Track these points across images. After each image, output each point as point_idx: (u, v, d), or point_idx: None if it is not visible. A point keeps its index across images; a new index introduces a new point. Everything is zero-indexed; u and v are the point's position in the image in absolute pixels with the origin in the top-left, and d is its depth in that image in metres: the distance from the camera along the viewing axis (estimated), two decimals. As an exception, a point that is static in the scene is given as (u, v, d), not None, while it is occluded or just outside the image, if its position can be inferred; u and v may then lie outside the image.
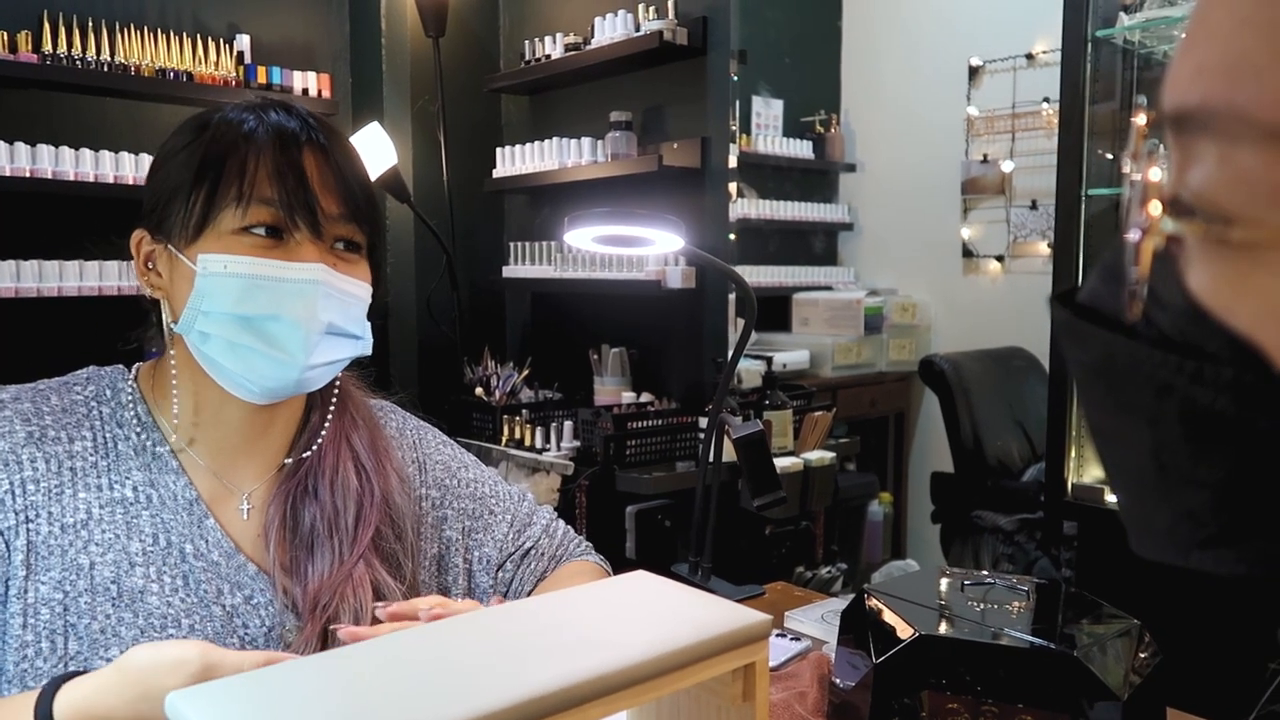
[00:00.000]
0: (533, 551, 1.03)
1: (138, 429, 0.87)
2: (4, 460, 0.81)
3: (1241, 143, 0.26)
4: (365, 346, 0.89)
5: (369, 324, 0.89)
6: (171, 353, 0.88)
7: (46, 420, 0.84)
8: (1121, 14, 1.97)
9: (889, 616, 0.90)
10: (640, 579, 0.70)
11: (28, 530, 0.80)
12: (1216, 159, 0.27)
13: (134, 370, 0.91)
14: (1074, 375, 0.33)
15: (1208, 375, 0.27)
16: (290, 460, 0.92)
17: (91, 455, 0.84)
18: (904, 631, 0.87)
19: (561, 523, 1.09)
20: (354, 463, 0.92)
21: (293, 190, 0.81)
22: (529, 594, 1.01)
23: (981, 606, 0.91)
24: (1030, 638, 0.83)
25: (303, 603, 0.84)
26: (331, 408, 0.94)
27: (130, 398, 0.88)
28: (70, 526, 0.81)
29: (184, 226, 0.82)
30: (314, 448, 0.92)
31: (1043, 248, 3.50)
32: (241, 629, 0.84)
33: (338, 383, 0.95)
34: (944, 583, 0.98)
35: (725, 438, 1.34)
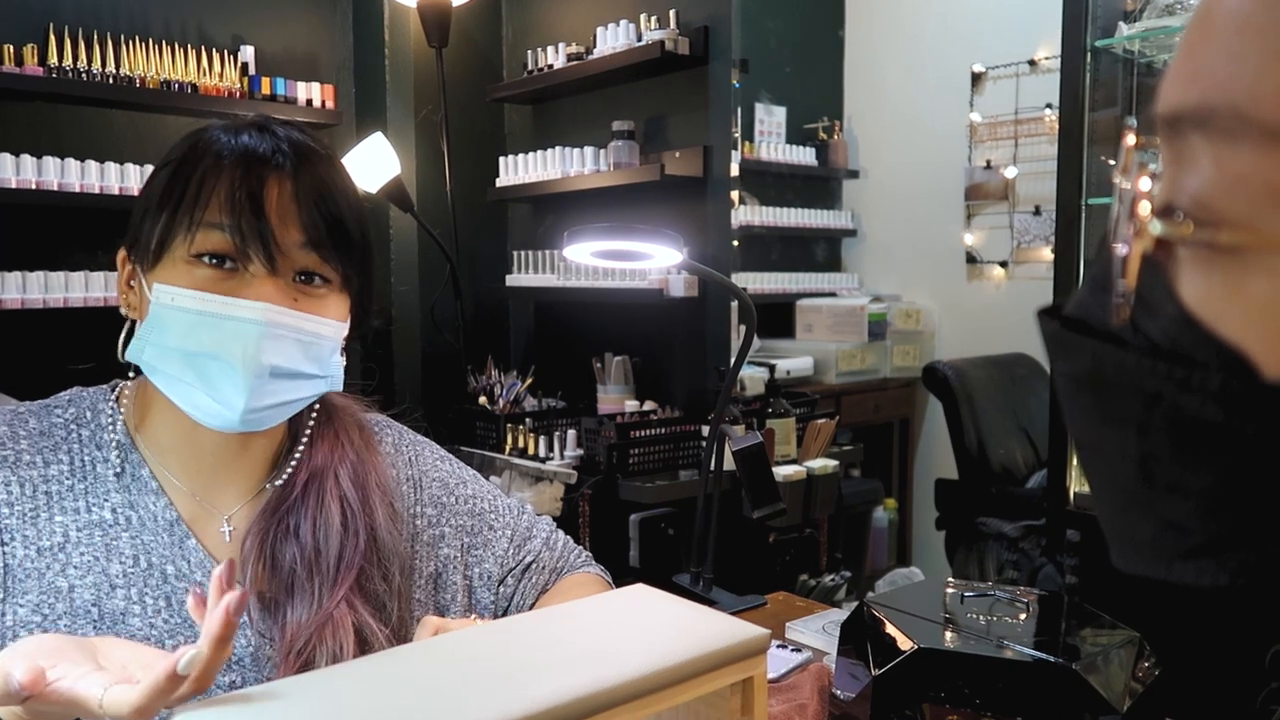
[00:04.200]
0: (534, 565, 1.03)
1: (116, 451, 0.85)
2: None
3: (1239, 141, 0.26)
4: (331, 384, 0.86)
5: (339, 359, 0.86)
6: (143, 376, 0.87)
7: (22, 445, 0.83)
8: (1121, 24, 1.97)
9: (889, 629, 0.90)
10: (638, 593, 0.70)
11: (3, 554, 0.79)
12: (1211, 160, 0.27)
13: (116, 390, 0.90)
14: (1060, 388, 0.33)
15: (1195, 383, 0.27)
16: (269, 486, 0.90)
17: (68, 479, 0.83)
18: (904, 644, 0.87)
19: (562, 534, 1.09)
20: (339, 501, 0.88)
21: (246, 220, 0.78)
22: (530, 607, 1.01)
23: (982, 619, 0.92)
24: (1030, 650, 0.83)
25: (279, 646, 0.82)
26: (307, 433, 0.92)
27: (110, 419, 0.87)
28: (47, 550, 0.80)
29: (146, 250, 0.81)
30: (290, 469, 0.90)
31: (1046, 254, 3.50)
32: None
33: (315, 408, 0.92)
34: (945, 594, 0.99)
35: (726, 447, 1.35)
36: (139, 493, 0.85)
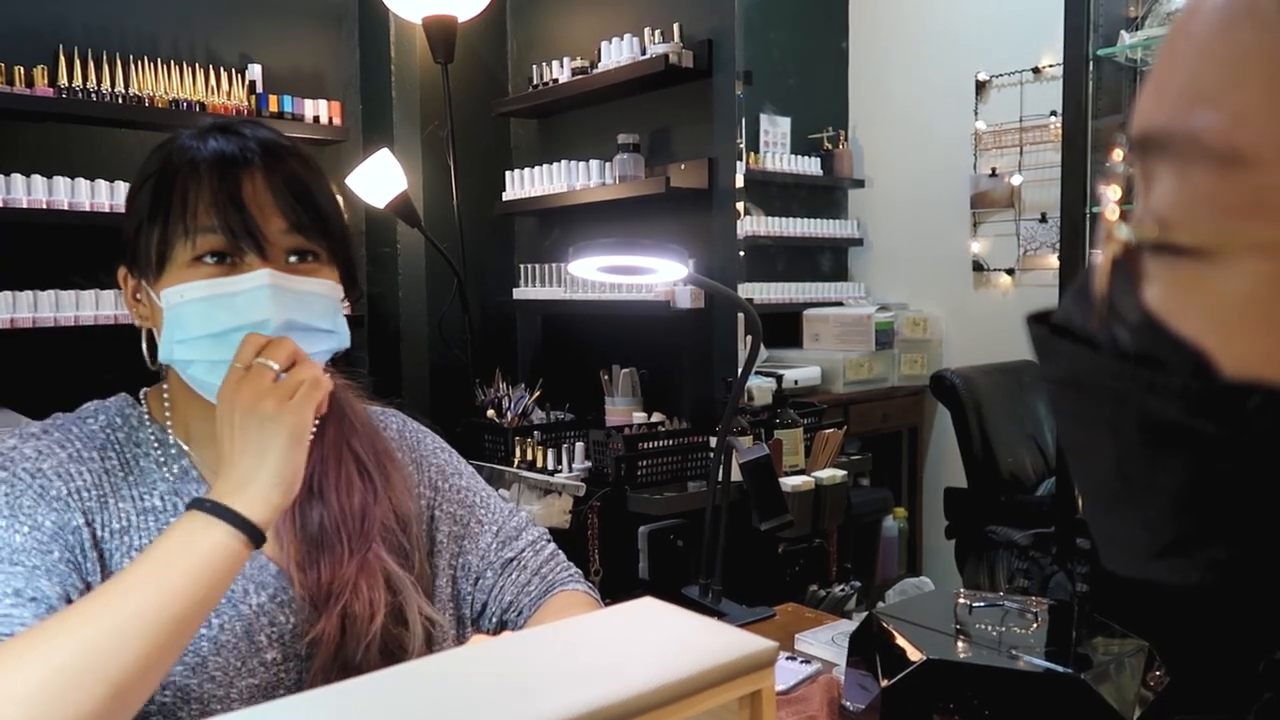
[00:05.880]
0: (515, 562, 1.04)
1: (155, 446, 0.92)
2: (57, 473, 0.86)
3: (1195, 163, 0.28)
4: (340, 340, 0.92)
5: (342, 318, 0.92)
6: (168, 379, 0.93)
7: (77, 445, 0.89)
8: (1123, 32, 1.97)
9: (898, 640, 0.90)
10: (645, 606, 0.70)
11: (92, 531, 0.85)
12: (1173, 178, 0.29)
13: (143, 395, 0.96)
14: (1046, 392, 0.34)
15: (1159, 384, 0.28)
16: None
17: (120, 472, 0.89)
18: (913, 655, 0.87)
19: (552, 545, 1.10)
20: (356, 464, 0.95)
21: (233, 217, 0.85)
22: (509, 603, 1.03)
23: (991, 629, 0.91)
24: (1039, 661, 0.83)
25: (318, 594, 0.88)
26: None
27: (139, 421, 0.93)
28: (116, 532, 0.86)
29: (148, 263, 0.87)
30: (308, 443, 0.94)
31: (1053, 260, 3.49)
32: (268, 626, 0.88)
33: None
34: (954, 605, 0.98)
35: (734, 459, 1.35)
36: (181, 481, 0.91)
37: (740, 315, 2.59)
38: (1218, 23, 0.28)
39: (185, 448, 0.93)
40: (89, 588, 0.83)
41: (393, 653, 0.89)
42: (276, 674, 0.88)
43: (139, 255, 0.88)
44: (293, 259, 0.89)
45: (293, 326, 0.86)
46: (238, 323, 0.85)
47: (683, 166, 2.65)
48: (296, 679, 0.88)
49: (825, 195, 4.07)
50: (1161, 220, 0.29)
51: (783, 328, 3.72)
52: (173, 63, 2.61)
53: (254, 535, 0.79)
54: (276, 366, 0.81)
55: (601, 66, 2.80)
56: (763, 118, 3.72)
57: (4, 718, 0.68)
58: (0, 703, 0.67)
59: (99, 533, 0.86)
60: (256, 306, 0.85)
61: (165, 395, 0.94)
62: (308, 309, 0.88)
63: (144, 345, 0.92)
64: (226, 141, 0.88)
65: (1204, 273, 0.28)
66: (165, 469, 0.91)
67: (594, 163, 2.84)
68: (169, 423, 0.93)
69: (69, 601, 0.80)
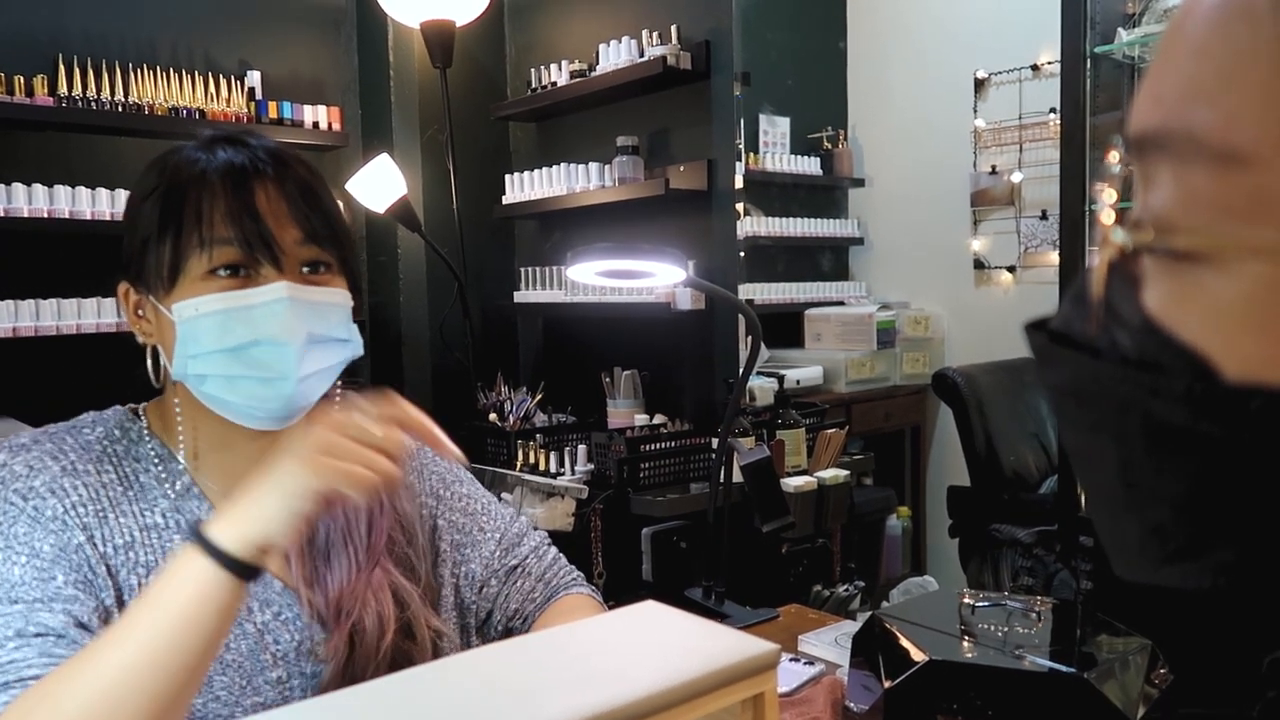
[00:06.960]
0: (519, 569, 1.04)
1: (155, 461, 0.90)
2: (51, 489, 0.83)
3: (1193, 163, 0.28)
4: (355, 349, 0.91)
5: (355, 327, 0.91)
6: (175, 394, 0.91)
7: (71, 457, 0.87)
8: (1120, 30, 1.97)
9: (901, 640, 0.90)
10: (647, 610, 0.70)
11: (94, 546, 0.83)
12: (1171, 178, 0.29)
13: (142, 408, 0.94)
14: (1048, 400, 0.34)
15: (1162, 388, 0.28)
16: None
17: (119, 486, 0.87)
18: (916, 656, 0.87)
19: (554, 549, 1.10)
20: None
21: (249, 229, 0.84)
22: (515, 610, 1.03)
23: (994, 629, 0.91)
24: (1043, 661, 0.83)
25: (326, 611, 0.88)
26: None
27: (139, 435, 0.91)
28: (120, 548, 0.85)
29: (158, 278, 0.86)
30: None
31: (1054, 258, 3.48)
32: (273, 644, 0.87)
33: (337, 397, 0.97)
34: (957, 605, 0.98)
35: (735, 460, 1.35)
36: (183, 498, 0.90)
37: (741, 316, 2.59)
38: (1213, 22, 0.28)
39: (190, 465, 0.91)
40: (103, 604, 0.82)
41: (401, 668, 0.88)
42: (281, 692, 0.87)
43: (146, 270, 0.86)
44: (305, 270, 0.88)
45: (312, 339, 0.86)
46: (255, 335, 0.84)
47: (682, 168, 2.65)
48: (301, 698, 0.87)
49: (825, 195, 4.07)
50: (1159, 221, 0.29)
51: (784, 328, 3.72)
52: (172, 70, 2.62)
53: (244, 572, 0.74)
54: (379, 434, 0.77)
55: (600, 69, 2.80)
56: (762, 118, 3.72)
57: None
58: None
59: (101, 548, 0.84)
60: (275, 319, 0.84)
61: (176, 411, 0.92)
62: (325, 320, 0.87)
63: (148, 363, 0.90)
64: (235, 152, 0.87)
65: (1203, 276, 0.28)
66: (167, 485, 0.89)
67: (593, 165, 2.84)
68: (180, 440, 0.91)
69: (79, 626, 0.78)
